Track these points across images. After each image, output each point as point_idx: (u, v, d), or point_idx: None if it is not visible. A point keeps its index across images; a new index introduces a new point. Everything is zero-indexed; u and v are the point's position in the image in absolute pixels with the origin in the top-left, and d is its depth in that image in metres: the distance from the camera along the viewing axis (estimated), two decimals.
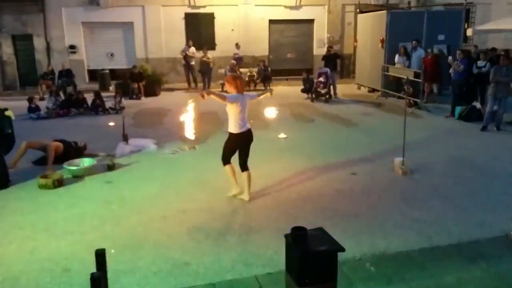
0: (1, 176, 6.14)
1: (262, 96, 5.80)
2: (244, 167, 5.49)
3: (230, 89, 5.37)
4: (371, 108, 12.01)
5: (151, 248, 4.37)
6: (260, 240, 4.50)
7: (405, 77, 9.77)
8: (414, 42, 12.58)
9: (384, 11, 13.75)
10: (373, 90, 14.34)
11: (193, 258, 4.15)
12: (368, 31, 14.67)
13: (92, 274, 2.38)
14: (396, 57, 12.84)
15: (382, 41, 13.46)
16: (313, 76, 14.10)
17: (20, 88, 16.67)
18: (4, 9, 16.26)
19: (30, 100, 11.49)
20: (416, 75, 11.48)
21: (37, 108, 11.44)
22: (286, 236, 3.23)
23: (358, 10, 16.44)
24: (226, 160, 5.56)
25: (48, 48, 16.78)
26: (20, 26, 16.53)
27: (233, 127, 5.34)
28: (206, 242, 4.49)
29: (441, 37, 13.32)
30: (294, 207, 5.36)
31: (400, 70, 12.34)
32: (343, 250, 3.13)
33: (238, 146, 5.45)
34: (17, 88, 16.76)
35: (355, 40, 16.46)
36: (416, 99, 11.48)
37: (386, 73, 13.09)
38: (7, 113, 6.52)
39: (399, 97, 12.01)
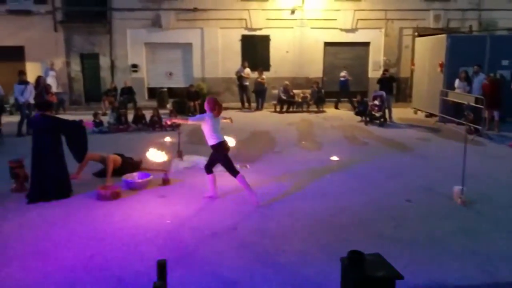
0: (64, 186, 6.50)
1: (223, 120, 6.51)
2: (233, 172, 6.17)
3: (207, 108, 6.18)
4: (428, 134, 11.60)
5: (200, 264, 4.42)
6: (310, 264, 4.43)
7: (466, 103, 9.40)
8: (475, 67, 12.11)
9: (444, 35, 13.40)
10: (430, 115, 13.89)
11: (241, 278, 4.15)
12: (427, 55, 14.32)
13: (154, 283, 2.46)
14: (457, 82, 12.40)
15: (441, 65, 13.08)
16: (367, 99, 13.91)
17: (85, 103, 17.67)
18: (75, 30, 17.45)
19: (95, 115, 12.15)
20: (478, 100, 11.01)
21: (101, 123, 12.06)
22: (343, 259, 3.16)
23: (416, 33, 16.11)
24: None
25: (112, 67, 17.74)
26: (88, 45, 17.64)
27: (210, 140, 6.12)
28: (256, 262, 4.48)
29: (505, 62, 12.74)
30: (345, 232, 5.25)
31: (461, 95, 11.89)
32: (401, 277, 3.01)
33: (213, 155, 6.25)
34: (83, 103, 17.77)
35: (413, 64, 16.10)
36: (477, 126, 10.98)
37: (445, 98, 12.66)
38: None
39: (459, 123, 11.54)
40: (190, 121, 6.59)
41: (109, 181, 7.01)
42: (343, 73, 16.07)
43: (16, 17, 16.91)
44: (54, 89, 14.68)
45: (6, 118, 12.42)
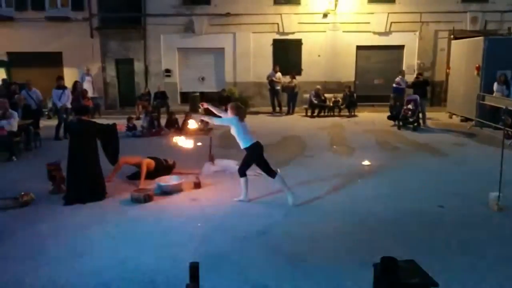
0: (99, 189, 6.67)
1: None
2: (270, 173, 6.34)
3: (230, 116, 6.29)
4: (464, 138, 11.27)
5: (231, 267, 4.44)
6: (341, 269, 4.38)
7: (504, 107, 9.08)
8: None
9: (481, 38, 13.02)
10: (466, 120, 13.50)
11: (271, 281, 4.15)
12: (463, 58, 13.94)
13: (187, 285, 2.49)
14: (495, 86, 12.02)
15: (478, 68, 12.72)
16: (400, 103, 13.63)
17: (120, 108, 18.13)
18: (110, 36, 17.98)
19: (129, 119, 12.45)
20: None
21: (134, 127, 12.34)
22: (375, 265, 3.10)
23: (452, 36, 15.71)
24: (243, 173, 6.35)
25: (146, 72, 18.15)
26: (123, 51, 18.11)
27: (242, 144, 6.22)
28: (286, 266, 4.47)
29: None
30: (376, 237, 5.16)
31: (499, 99, 11.50)
32: (436, 285, 2.91)
33: (256, 157, 6.30)
34: (117, 107, 18.26)
35: (448, 67, 15.71)
36: None
37: (481, 102, 12.28)
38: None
39: (496, 128, 11.16)
40: (216, 123, 6.54)
41: (142, 184, 7.15)
42: (398, 79, 14.34)
43: (54, 23, 17.59)
44: (90, 94, 15.14)
45: (44, 122, 12.89)
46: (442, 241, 5.04)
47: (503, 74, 11.94)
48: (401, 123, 12.69)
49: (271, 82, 16.11)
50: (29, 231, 5.44)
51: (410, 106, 12.66)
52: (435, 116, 14.38)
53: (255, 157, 6.28)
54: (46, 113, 15.02)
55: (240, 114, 6.27)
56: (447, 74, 15.87)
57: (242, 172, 6.37)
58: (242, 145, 6.22)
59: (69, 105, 11.89)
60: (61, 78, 12.50)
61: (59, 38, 17.54)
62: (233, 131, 6.23)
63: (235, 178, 6.83)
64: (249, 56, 17.92)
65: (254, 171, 8.05)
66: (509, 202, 6.07)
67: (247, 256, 4.70)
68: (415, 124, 12.54)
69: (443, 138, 11.40)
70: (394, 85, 14.24)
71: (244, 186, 6.39)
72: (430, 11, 17.10)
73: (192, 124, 7.10)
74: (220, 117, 6.62)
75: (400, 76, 14.47)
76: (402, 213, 5.94)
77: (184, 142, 7.29)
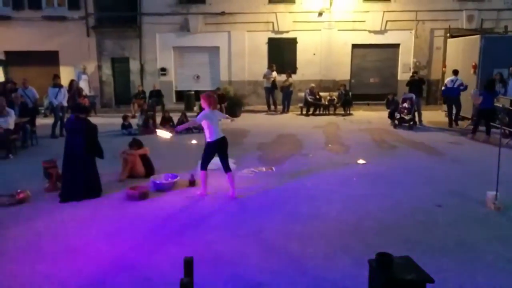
0: (95, 186, 6.65)
1: (222, 119, 7.07)
2: (227, 168, 6.50)
3: (204, 105, 6.46)
4: (460, 137, 11.30)
5: (226, 265, 4.43)
6: (336, 267, 4.38)
7: (501, 105, 9.11)
8: (511, 68, 11.73)
9: (478, 36, 13.05)
10: (462, 118, 13.53)
11: (267, 279, 4.14)
12: (459, 56, 13.97)
13: (181, 280, 2.48)
14: None
15: (474, 67, 12.74)
16: (398, 98, 13.66)
17: (115, 106, 18.09)
18: (106, 35, 17.92)
19: (125, 118, 12.42)
20: None
21: (129, 125, 12.30)
22: (370, 261, 3.09)
23: (448, 34, 15.75)
24: (204, 166, 6.50)
25: (142, 70, 18.11)
26: (119, 50, 18.06)
27: (209, 137, 6.35)
28: (281, 264, 4.46)
29: None
30: (373, 236, 5.16)
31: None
32: (432, 281, 2.90)
33: (215, 151, 6.45)
34: (113, 106, 18.21)
35: (444, 66, 15.73)
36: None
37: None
38: None
39: (493, 127, 11.19)
40: (198, 122, 6.56)
41: (122, 176, 7.37)
42: (452, 78, 12.90)
43: (51, 22, 17.53)
44: (86, 92, 15.09)
45: (40, 120, 12.83)
46: (439, 240, 5.04)
47: (499, 73, 11.97)
48: (397, 122, 12.71)
49: (274, 81, 16.03)
50: (25, 228, 5.42)
51: (406, 105, 12.69)
52: (431, 114, 14.41)
53: (216, 151, 6.45)
54: (43, 111, 14.95)
55: (211, 103, 6.41)
56: (443, 73, 15.89)
57: (204, 166, 6.51)
58: (208, 138, 6.38)
59: (65, 103, 11.84)
60: (57, 76, 12.45)
61: (56, 37, 17.49)
62: (205, 123, 6.34)
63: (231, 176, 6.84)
64: (244, 55, 17.90)
65: (249, 169, 8.07)
66: (507, 201, 6.08)
67: (242, 254, 4.69)
68: (411, 122, 12.57)
69: (439, 136, 11.43)
70: (448, 86, 12.92)
71: (203, 180, 6.56)
72: (426, 10, 17.12)
73: (162, 133, 7.33)
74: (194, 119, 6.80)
75: (453, 76, 13.03)
76: (398, 212, 5.94)
77: (162, 133, 7.43)
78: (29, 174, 7.65)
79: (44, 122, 12.97)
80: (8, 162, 9.03)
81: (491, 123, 10.64)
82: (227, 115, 7.89)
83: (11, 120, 9.53)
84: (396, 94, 15.76)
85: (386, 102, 13.98)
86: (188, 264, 2.66)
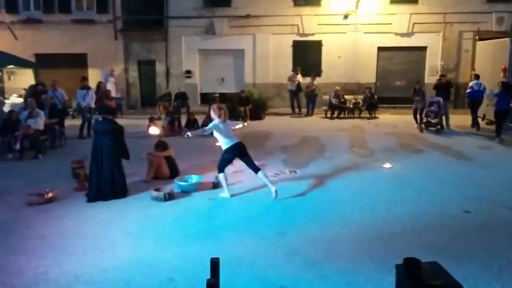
0: (121, 187, 6.77)
1: (236, 127, 7.15)
2: (256, 170, 6.60)
3: (214, 116, 6.57)
4: (489, 142, 11.01)
5: (248, 267, 4.44)
6: (360, 272, 4.33)
7: None
8: None
9: (508, 39, 12.72)
10: (492, 123, 13.18)
11: (289, 283, 4.13)
12: (488, 59, 13.65)
13: (208, 280, 2.50)
14: None
15: (504, 70, 12.42)
16: (425, 89, 13.33)
17: (141, 108, 18.38)
18: (133, 38, 18.25)
19: (151, 119, 12.57)
20: None
21: None
22: (397, 266, 3.03)
23: (477, 37, 15.39)
24: (221, 169, 6.63)
25: (168, 73, 18.36)
26: (145, 52, 18.37)
27: (223, 145, 6.50)
28: (304, 268, 4.44)
29: None
30: (397, 241, 5.07)
31: None
32: (461, 287, 2.84)
33: (232, 158, 6.61)
34: (138, 108, 18.51)
35: (473, 69, 15.37)
36: None
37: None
38: None
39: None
40: (208, 131, 6.56)
41: (148, 177, 7.51)
42: (476, 81, 12.85)
43: (80, 26, 17.96)
44: (113, 94, 15.37)
45: (69, 121, 13.15)
46: (466, 246, 4.93)
47: None
48: (423, 125, 12.48)
49: (298, 84, 16.01)
50: (53, 227, 5.57)
51: (433, 108, 12.46)
52: (458, 118, 14.10)
53: (234, 156, 6.60)
54: (71, 112, 15.32)
55: (223, 114, 6.52)
56: (472, 76, 15.53)
57: (221, 169, 6.64)
58: (223, 146, 6.50)
59: (93, 105, 12.10)
60: (85, 78, 12.74)
61: (85, 40, 17.91)
62: (216, 133, 6.48)
63: (254, 178, 6.85)
64: (268, 58, 17.93)
65: (273, 171, 8.06)
66: None
67: (265, 257, 4.69)
68: (438, 126, 12.32)
69: (467, 141, 11.18)
70: (475, 88, 12.91)
71: (224, 182, 6.68)
72: (454, 12, 16.79)
73: (153, 130, 7.69)
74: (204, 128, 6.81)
75: (475, 80, 13.10)
76: (424, 217, 5.83)
77: (152, 130, 7.91)
78: (58, 174, 7.84)
79: (72, 123, 13.28)
80: (38, 162, 9.28)
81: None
82: (239, 121, 8.13)
83: (41, 121, 9.83)
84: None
85: (412, 92, 13.59)
86: (215, 265, 2.68)
